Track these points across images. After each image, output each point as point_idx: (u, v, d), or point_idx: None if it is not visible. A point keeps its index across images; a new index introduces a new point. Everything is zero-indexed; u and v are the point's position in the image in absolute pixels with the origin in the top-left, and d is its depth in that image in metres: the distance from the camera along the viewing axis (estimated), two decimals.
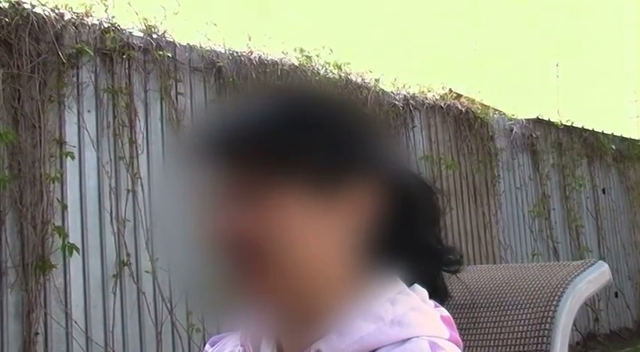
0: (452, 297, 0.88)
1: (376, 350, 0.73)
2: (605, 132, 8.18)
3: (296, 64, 5.09)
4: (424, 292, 0.82)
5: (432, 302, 0.81)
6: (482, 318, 1.19)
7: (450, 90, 6.80)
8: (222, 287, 0.78)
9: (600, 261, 1.22)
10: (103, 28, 4.02)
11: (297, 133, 0.76)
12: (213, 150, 0.77)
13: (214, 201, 0.77)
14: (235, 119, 0.79)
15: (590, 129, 7.93)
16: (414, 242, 0.82)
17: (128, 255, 3.90)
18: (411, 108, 6.01)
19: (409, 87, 6.14)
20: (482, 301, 1.21)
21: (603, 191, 8.08)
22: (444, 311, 0.81)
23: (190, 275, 3.81)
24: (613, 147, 8.17)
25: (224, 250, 0.75)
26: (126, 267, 3.89)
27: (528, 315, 1.13)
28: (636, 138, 8.98)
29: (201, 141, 0.79)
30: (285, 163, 0.74)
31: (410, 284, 0.82)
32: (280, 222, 0.73)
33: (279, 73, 4.87)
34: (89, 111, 3.90)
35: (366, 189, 0.77)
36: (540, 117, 7.48)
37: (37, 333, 3.46)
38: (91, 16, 4.01)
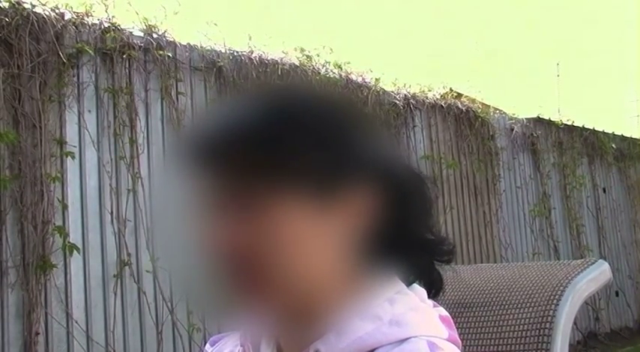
0: (444, 290, 0.87)
1: (374, 350, 0.73)
2: (605, 131, 8.19)
3: (296, 63, 5.09)
4: (423, 291, 0.82)
5: (430, 302, 0.81)
6: (482, 317, 1.19)
7: (451, 89, 6.80)
8: (220, 293, 0.78)
9: (601, 260, 1.22)
10: (103, 27, 4.02)
11: (290, 136, 0.73)
12: (203, 156, 0.75)
13: (208, 211, 0.75)
14: (225, 123, 0.75)
15: (591, 128, 7.94)
16: (410, 237, 0.81)
17: (129, 254, 3.90)
18: (412, 107, 6.01)
19: (410, 86, 6.14)
20: (482, 300, 1.21)
21: (604, 190, 8.08)
22: (442, 311, 0.80)
23: (191, 275, 3.81)
24: (613, 146, 8.17)
25: (220, 261, 0.74)
26: (126, 267, 3.89)
27: (529, 314, 1.14)
28: (637, 137, 8.99)
29: (191, 147, 0.77)
30: (279, 168, 0.72)
31: (406, 280, 0.81)
32: (276, 230, 0.72)
33: (279, 73, 4.86)
34: (90, 111, 3.90)
35: (364, 189, 0.75)
36: (541, 117, 7.48)
37: (37, 333, 3.46)
38: (92, 15, 4.00)
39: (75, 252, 3.62)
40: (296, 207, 0.73)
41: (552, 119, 7.56)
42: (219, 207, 0.74)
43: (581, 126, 7.83)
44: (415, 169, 0.83)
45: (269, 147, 0.72)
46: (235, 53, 4.74)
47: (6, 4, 3.63)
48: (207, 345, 0.95)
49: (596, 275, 1.19)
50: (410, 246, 0.81)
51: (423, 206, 0.81)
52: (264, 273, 0.73)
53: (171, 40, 4.37)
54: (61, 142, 3.72)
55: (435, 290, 0.84)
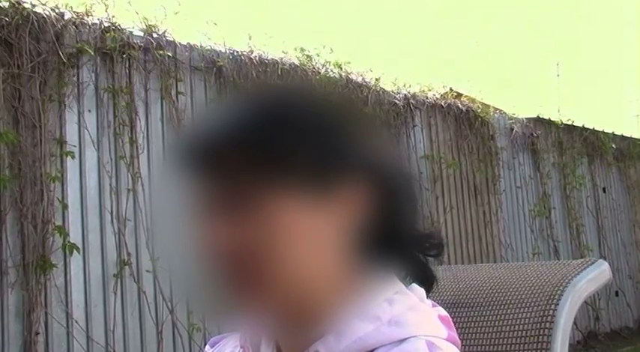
0: (438, 285, 0.87)
1: (374, 350, 0.73)
2: (605, 131, 8.19)
3: (296, 63, 5.09)
4: (422, 291, 0.81)
5: (429, 302, 0.81)
6: (482, 317, 1.19)
7: (451, 89, 6.80)
8: (218, 294, 0.77)
9: (600, 260, 1.22)
10: (103, 27, 4.02)
11: (283, 136, 0.73)
12: (198, 157, 0.75)
13: (205, 211, 0.75)
14: (219, 124, 0.76)
15: (591, 128, 7.94)
16: (401, 234, 0.81)
17: (129, 254, 3.90)
18: (412, 107, 6.01)
19: (410, 86, 6.14)
20: (482, 300, 1.21)
21: (604, 190, 8.08)
22: (441, 311, 0.81)
23: (190, 276, 3.82)
24: (613, 146, 8.17)
25: (217, 262, 0.74)
26: (126, 267, 3.89)
27: (529, 314, 1.13)
28: (636, 137, 8.99)
29: (187, 148, 0.77)
30: (273, 168, 0.72)
31: (401, 277, 0.82)
32: (272, 231, 0.72)
33: (279, 73, 4.86)
34: (89, 110, 3.90)
35: (357, 187, 0.76)
36: (541, 116, 7.48)
37: (37, 333, 3.46)
38: (92, 15, 4.01)
39: (75, 251, 3.62)
40: (291, 206, 0.73)
41: (552, 119, 7.56)
42: (215, 207, 0.74)
43: (581, 125, 7.83)
44: (402, 166, 0.83)
45: (262, 147, 0.72)
46: (235, 53, 4.74)
47: (6, 4, 3.63)
48: (207, 346, 0.95)
49: (596, 275, 1.19)
50: (400, 243, 0.81)
51: (411, 203, 0.82)
52: (262, 274, 0.73)
53: (171, 39, 4.37)
54: (61, 142, 3.72)
55: (428, 285, 0.84)
